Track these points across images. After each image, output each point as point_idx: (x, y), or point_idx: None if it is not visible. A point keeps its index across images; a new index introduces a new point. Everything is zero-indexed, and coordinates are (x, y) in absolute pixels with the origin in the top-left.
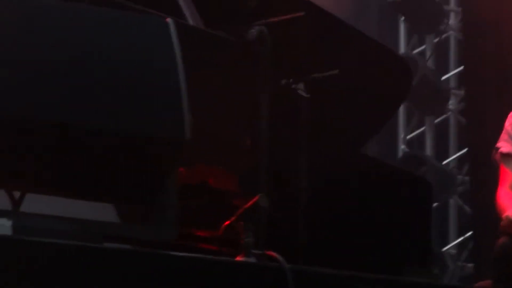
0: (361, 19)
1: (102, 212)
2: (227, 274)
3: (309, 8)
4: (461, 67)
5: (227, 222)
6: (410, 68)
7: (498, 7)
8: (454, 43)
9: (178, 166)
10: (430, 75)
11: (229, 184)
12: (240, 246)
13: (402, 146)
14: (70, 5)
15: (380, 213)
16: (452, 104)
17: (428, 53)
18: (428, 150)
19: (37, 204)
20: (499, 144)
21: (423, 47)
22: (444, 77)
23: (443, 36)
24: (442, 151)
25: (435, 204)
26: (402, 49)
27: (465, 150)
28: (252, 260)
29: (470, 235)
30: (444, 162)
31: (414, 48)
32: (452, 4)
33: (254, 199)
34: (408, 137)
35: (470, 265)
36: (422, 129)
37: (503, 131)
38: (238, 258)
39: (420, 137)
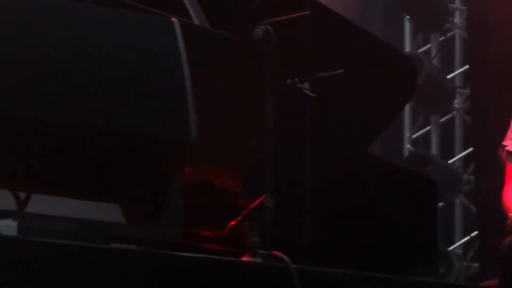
0: (366, 18)
1: (107, 212)
2: (232, 274)
3: (314, 7)
4: (467, 66)
5: (232, 222)
6: (415, 67)
7: (503, 5)
8: (459, 41)
9: (183, 166)
10: (435, 74)
11: (234, 184)
12: (246, 246)
13: (407, 146)
14: (74, 5)
15: (386, 212)
16: (457, 103)
17: (433, 52)
18: (434, 149)
19: (42, 205)
20: (505, 142)
21: (428, 45)
22: (449, 76)
23: (448, 34)
24: (447, 150)
25: (440, 204)
26: (407, 47)
27: (470, 149)
28: (258, 260)
29: (476, 235)
30: (450, 161)
31: (419, 47)
32: (457, 3)
33: (260, 199)
34: (414, 136)
35: (476, 264)
36: (427, 128)
37: (509, 129)
38: (244, 258)
39: (426, 136)
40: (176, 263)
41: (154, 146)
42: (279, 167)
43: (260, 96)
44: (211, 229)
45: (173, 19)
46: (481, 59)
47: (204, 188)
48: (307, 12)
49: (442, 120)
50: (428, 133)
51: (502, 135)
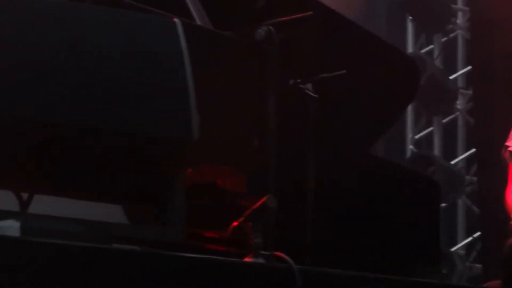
0: (369, 19)
1: (110, 213)
2: (235, 275)
3: (317, 7)
4: (469, 67)
5: (235, 223)
6: (418, 67)
7: (506, 6)
8: (462, 42)
9: (185, 166)
10: (438, 74)
11: (237, 185)
12: (249, 247)
13: (410, 146)
14: (76, 5)
15: (389, 213)
16: (460, 103)
17: (436, 53)
18: (436, 150)
19: (44, 205)
20: (508, 143)
21: (431, 46)
22: (452, 77)
23: (451, 35)
24: (450, 151)
25: (443, 205)
26: (410, 48)
27: (473, 150)
28: (261, 261)
29: (478, 236)
30: (452, 162)
31: (422, 48)
32: (460, 3)
33: (263, 200)
34: (416, 137)
35: (479, 265)
36: (430, 129)
37: None
38: (247, 259)
39: (428, 137)
40: (178, 264)
41: (156, 146)
42: (281, 167)
43: (262, 97)
44: (213, 230)
45: (175, 19)
46: (483, 60)
47: (207, 189)
48: (310, 12)
49: (444, 121)
50: (430, 134)
51: (505, 135)
